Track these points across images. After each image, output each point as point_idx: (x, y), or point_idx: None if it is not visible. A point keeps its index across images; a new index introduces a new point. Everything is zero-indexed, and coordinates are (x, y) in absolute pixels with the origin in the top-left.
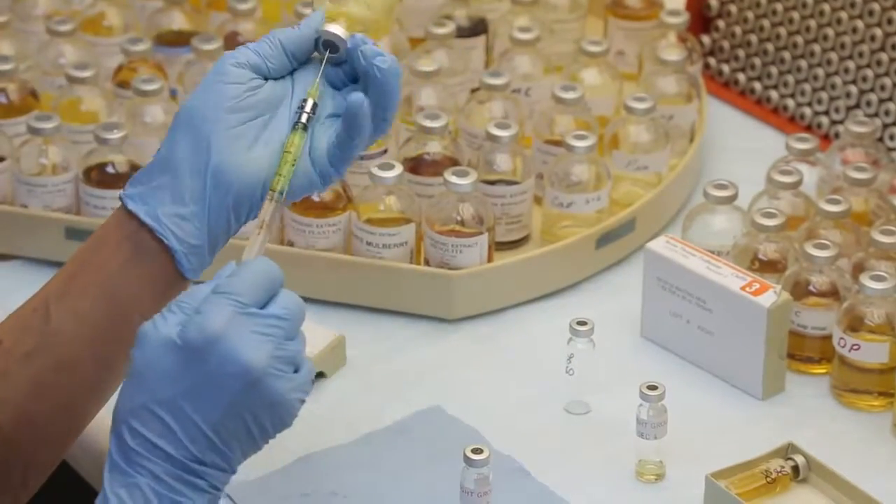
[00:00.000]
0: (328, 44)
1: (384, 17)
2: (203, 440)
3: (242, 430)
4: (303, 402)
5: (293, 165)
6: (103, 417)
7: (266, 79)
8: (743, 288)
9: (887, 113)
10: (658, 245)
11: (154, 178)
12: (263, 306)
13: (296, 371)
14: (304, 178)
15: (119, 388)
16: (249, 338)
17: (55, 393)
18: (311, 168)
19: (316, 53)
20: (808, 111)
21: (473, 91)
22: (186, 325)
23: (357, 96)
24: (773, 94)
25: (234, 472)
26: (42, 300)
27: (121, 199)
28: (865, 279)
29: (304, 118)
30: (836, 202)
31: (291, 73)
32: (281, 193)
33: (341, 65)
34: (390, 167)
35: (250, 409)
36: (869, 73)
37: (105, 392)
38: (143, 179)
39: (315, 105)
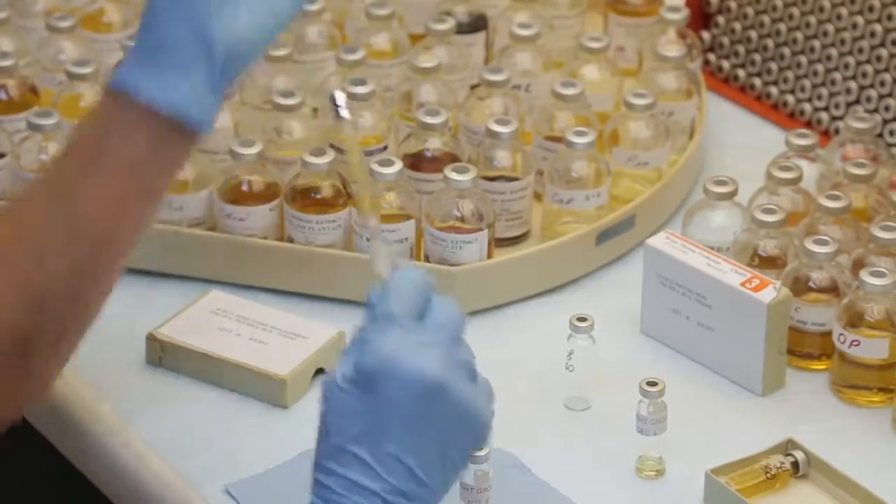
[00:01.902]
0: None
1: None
2: (402, 469)
3: (439, 452)
4: (493, 413)
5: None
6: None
7: None
8: (743, 284)
9: (887, 109)
10: (658, 241)
11: (147, 53)
12: (423, 317)
13: (474, 380)
14: None
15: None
16: (420, 351)
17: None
18: None
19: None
20: (807, 107)
21: (473, 87)
22: (357, 357)
23: None
24: (773, 90)
25: (439, 500)
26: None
27: (110, 83)
28: (865, 275)
29: (345, 113)
30: (836, 198)
31: None
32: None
33: None
34: (390, 163)
35: (441, 424)
36: (869, 68)
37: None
38: (136, 60)
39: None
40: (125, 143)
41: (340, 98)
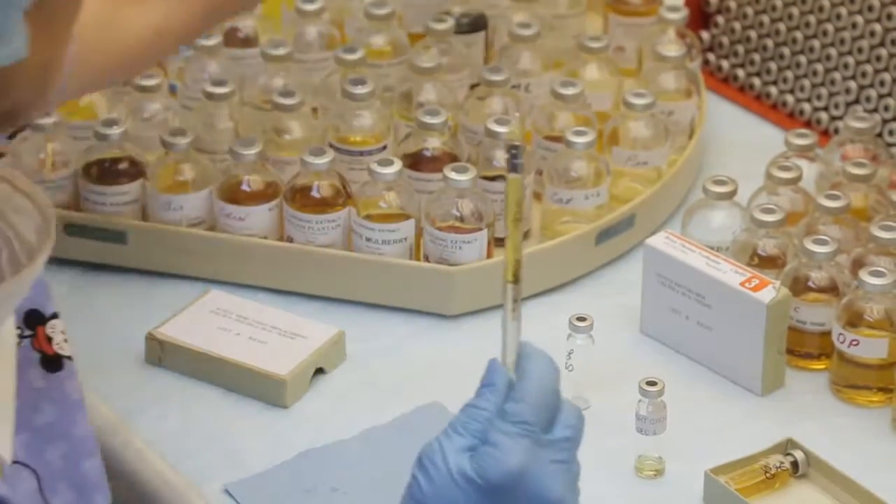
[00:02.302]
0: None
1: None
2: None
3: None
4: None
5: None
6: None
7: None
8: (742, 284)
9: (887, 108)
10: (657, 241)
11: None
12: (551, 427)
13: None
14: None
15: None
16: (549, 470)
17: None
18: None
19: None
20: (807, 107)
21: (473, 87)
22: (482, 459)
23: None
24: (773, 90)
25: None
26: None
27: None
28: (865, 275)
29: (517, 167)
30: (836, 198)
31: None
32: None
33: None
34: (389, 163)
35: None
36: (868, 68)
37: None
38: None
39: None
40: None
41: (518, 151)
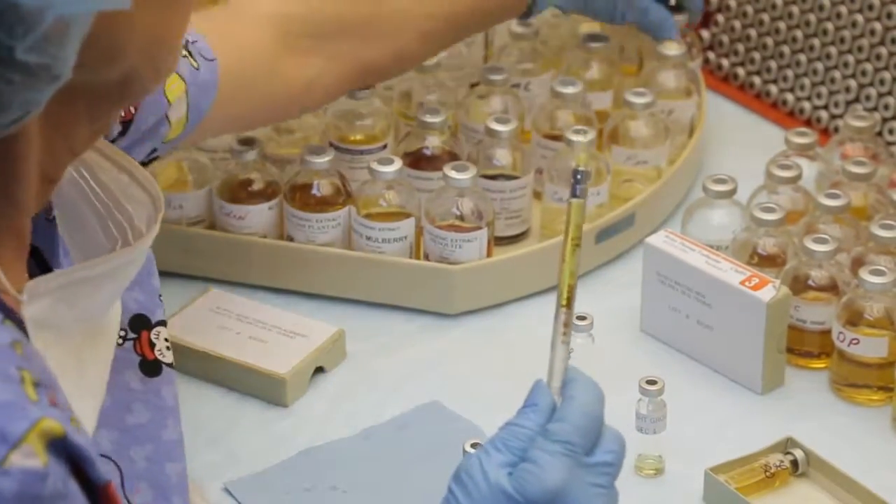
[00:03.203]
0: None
1: None
2: None
3: None
4: None
5: (576, 244)
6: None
7: None
8: (742, 282)
9: (886, 107)
10: (657, 240)
11: None
12: (592, 451)
13: None
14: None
15: None
16: (589, 492)
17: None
18: None
19: None
20: (807, 105)
21: (473, 86)
22: (521, 476)
23: None
24: (773, 89)
25: None
26: None
27: None
28: (865, 273)
29: (579, 192)
30: (836, 196)
31: None
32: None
33: None
34: (389, 162)
35: None
36: (868, 67)
37: None
38: None
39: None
40: None
41: (583, 176)
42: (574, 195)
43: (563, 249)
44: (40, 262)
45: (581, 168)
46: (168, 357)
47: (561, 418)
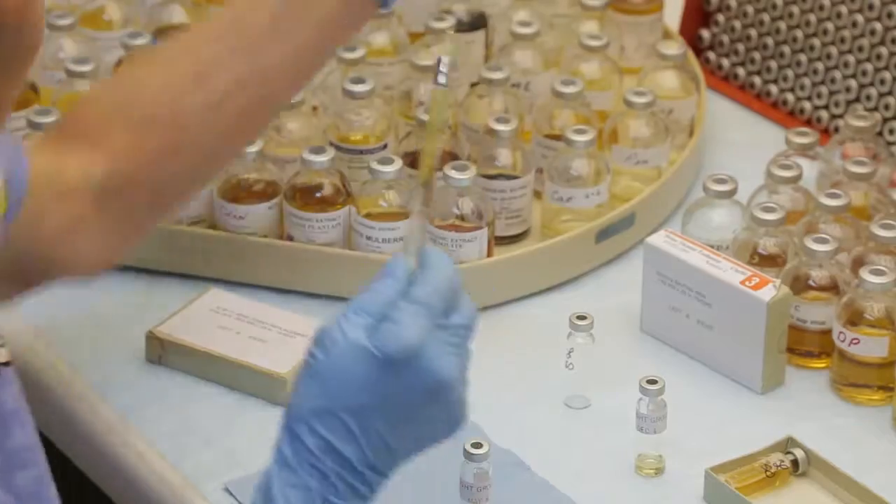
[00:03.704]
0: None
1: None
2: (383, 449)
3: (416, 440)
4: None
5: (435, 133)
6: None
7: None
8: (742, 282)
9: (887, 107)
10: (658, 239)
11: None
12: (450, 313)
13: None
14: None
15: (295, 385)
16: (444, 350)
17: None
18: None
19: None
20: (807, 105)
21: (473, 85)
22: (381, 334)
23: None
24: (773, 89)
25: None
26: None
27: None
28: (865, 273)
29: (443, 79)
30: (836, 196)
31: None
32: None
33: None
34: (390, 161)
35: (432, 420)
36: (869, 67)
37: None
38: None
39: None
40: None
41: (444, 64)
42: (436, 82)
43: (426, 133)
44: None
45: (444, 57)
46: (3, 356)
47: (421, 283)
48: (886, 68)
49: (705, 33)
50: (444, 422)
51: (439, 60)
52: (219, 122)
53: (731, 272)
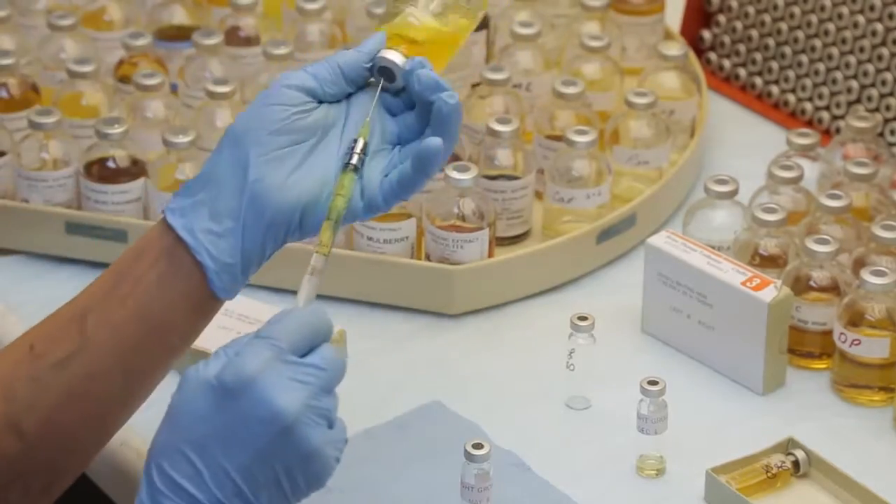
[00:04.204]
0: (385, 70)
1: (447, 49)
2: (230, 485)
3: (272, 480)
4: (338, 460)
5: (343, 210)
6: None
7: (320, 102)
8: (744, 283)
9: (888, 108)
10: (659, 240)
11: (196, 192)
12: (304, 356)
13: (329, 427)
14: (347, 210)
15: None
16: (284, 383)
17: (85, 403)
18: (358, 199)
19: (372, 79)
20: (808, 106)
21: (474, 86)
22: (224, 367)
23: (434, 141)
24: (774, 89)
25: None
26: (79, 308)
27: (163, 210)
28: (866, 274)
29: (354, 160)
30: (837, 197)
31: (348, 96)
32: (329, 246)
33: (399, 93)
34: None
35: (281, 458)
36: (870, 67)
37: (133, 404)
38: (186, 192)
39: (366, 145)
40: (146, 268)
41: (359, 146)
42: (347, 164)
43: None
44: None
45: (359, 139)
46: None
47: (274, 321)
48: (888, 69)
49: (706, 34)
50: (298, 463)
51: (354, 142)
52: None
53: (732, 273)
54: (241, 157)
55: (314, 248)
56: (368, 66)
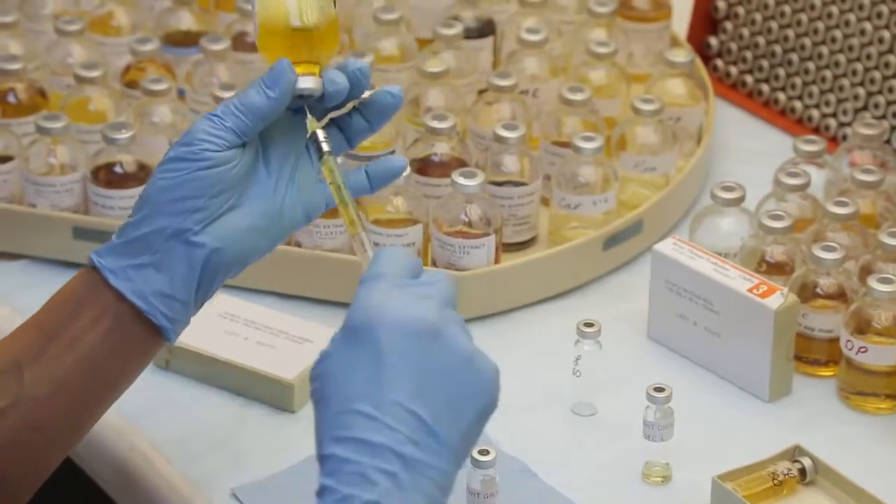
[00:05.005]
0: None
1: (336, 28)
2: (408, 417)
3: (444, 398)
4: (498, 371)
5: (344, 193)
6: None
7: (242, 145)
8: (750, 290)
9: (895, 115)
10: (665, 247)
11: (136, 255)
12: (414, 278)
13: (469, 337)
14: (353, 189)
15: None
16: (412, 300)
17: (26, 451)
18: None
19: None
20: (815, 113)
21: (481, 92)
22: (345, 319)
23: (392, 89)
24: (781, 96)
25: (455, 465)
26: (13, 361)
27: (99, 269)
28: (873, 281)
29: (325, 147)
30: (844, 204)
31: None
32: (357, 223)
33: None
34: None
35: (441, 368)
36: (877, 75)
37: (74, 446)
38: (121, 252)
39: (324, 129)
40: (86, 326)
41: (321, 135)
42: (322, 153)
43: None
44: None
45: (319, 132)
46: None
47: (372, 262)
48: (894, 76)
49: (713, 41)
50: (463, 374)
51: (315, 135)
52: None
53: (739, 280)
54: (179, 225)
55: (349, 233)
56: (287, 103)
